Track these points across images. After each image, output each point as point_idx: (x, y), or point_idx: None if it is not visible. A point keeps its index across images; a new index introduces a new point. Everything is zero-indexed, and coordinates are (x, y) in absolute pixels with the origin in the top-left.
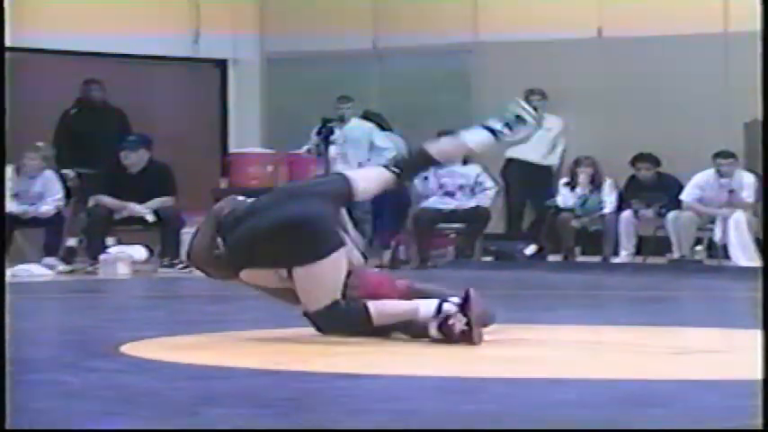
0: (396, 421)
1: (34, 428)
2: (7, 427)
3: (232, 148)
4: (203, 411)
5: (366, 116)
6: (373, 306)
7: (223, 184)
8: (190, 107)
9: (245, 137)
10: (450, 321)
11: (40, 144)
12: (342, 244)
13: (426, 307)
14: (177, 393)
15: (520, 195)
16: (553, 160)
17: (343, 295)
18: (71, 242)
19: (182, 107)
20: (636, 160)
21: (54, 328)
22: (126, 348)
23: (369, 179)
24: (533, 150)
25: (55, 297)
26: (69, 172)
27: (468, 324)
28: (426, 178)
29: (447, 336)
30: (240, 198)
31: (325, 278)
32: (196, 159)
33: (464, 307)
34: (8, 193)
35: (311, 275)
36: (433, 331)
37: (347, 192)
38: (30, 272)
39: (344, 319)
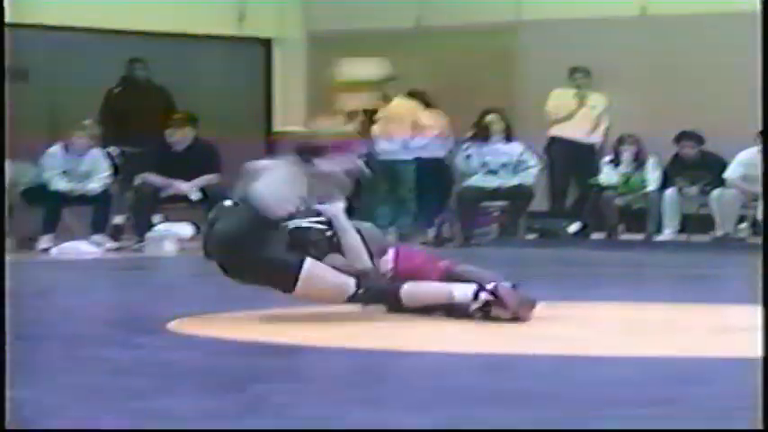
0: (440, 398)
1: (35, 428)
2: (7, 426)
3: (276, 127)
4: (250, 387)
5: (411, 95)
6: (406, 289)
7: None
8: (234, 85)
9: (290, 115)
10: (493, 313)
11: (87, 122)
12: (296, 264)
13: (461, 292)
14: (223, 369)
15: (563, 173)
16: (597, 138)
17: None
18: (118, 220)
19: (226, 85)
20: (680, 138)
21: (101, 305)
22: (172, 325)
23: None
24: (577, 128)
25: (102, 274)
26: (113, 150)
27: (513, 316)
28: (469, 156)
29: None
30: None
31: (318, 290)
32: (241, 137)
33: (498, 302)
34: (56, 171)
35: (304, 295)
36: (478, 316)
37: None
38: (77, 249)
39: (377, 301)
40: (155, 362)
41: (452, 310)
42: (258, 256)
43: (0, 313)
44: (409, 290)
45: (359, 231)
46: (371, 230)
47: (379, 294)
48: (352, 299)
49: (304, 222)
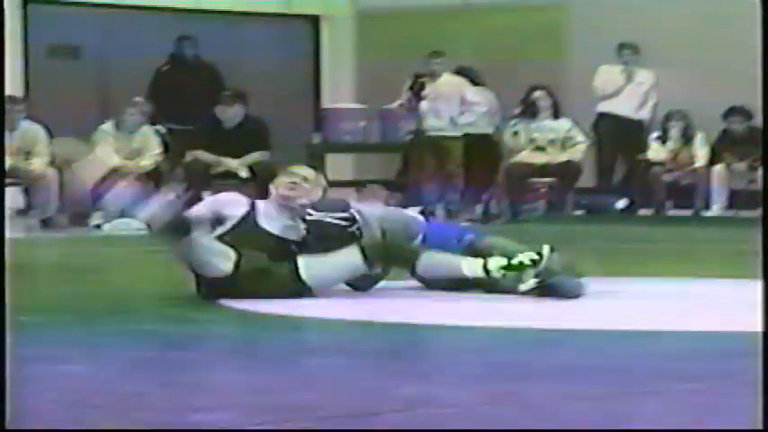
0: (487, 373)
1: (35, 428)
2: (8, 426)
3: (325, 104)
4: (299, 361)
5: (459, 71)
6: (421, 265)
7: (316, 139)
8: (283, 63)
9: (338, 92)
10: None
11: (138, 99)
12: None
13: (469, 266)
14: (275, 344)
15: (611, 149)
16: (645, 114)
17: None
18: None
19: (275, 63)
20: (728, 114)
21: (154, 280)
22: (225, 300)
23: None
24: (625, 104)
25: (154, 250)
26: (160, 128)
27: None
28: (516, 133)
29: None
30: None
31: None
32: (289, 115)
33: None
34: (109, 149)
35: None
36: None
37: None
38: (129, 225)
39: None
40: (207, 336)
41: (496, 286)
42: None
43: (1, 313)
44: (423, 267)
45: (383, 234)
46: (397, 224)
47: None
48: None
49: (327, 218)
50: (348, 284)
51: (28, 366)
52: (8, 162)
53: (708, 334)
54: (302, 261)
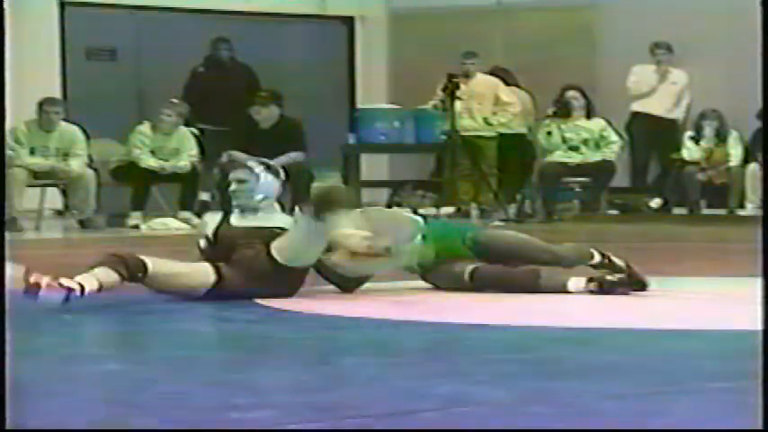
0: (525, 371)
1: (34, 429)
2: (8, 426)
3: (359, 104)
4: (336, 360)
5: (493, 72)
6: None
7: (351, 139)
8: (318, 64)
9: (373, 92)
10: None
11: (175, 101)
12: None
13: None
14: (309, 343)
15: (645, 149)
16: (678, 113)
17: None
18: (204, 197)
19: (310, 64)
20: (762, 112)
21: None
22: (259, 299)
23: None
24: (659, 104)
25: (191, 250)
26: (192, 129)
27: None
28: (550, 133)
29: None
30: None
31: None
32: (324, 115)
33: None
34: (145, 149)
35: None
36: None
37: None
38: (166, 225)
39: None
40: (243, 335)
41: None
42: None
43: (1, 312)
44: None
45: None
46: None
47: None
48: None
49: None
50: (334, 284)
51: (70, 365)
52: (47, 163)
53: (741, 333)
54: (273, 244)
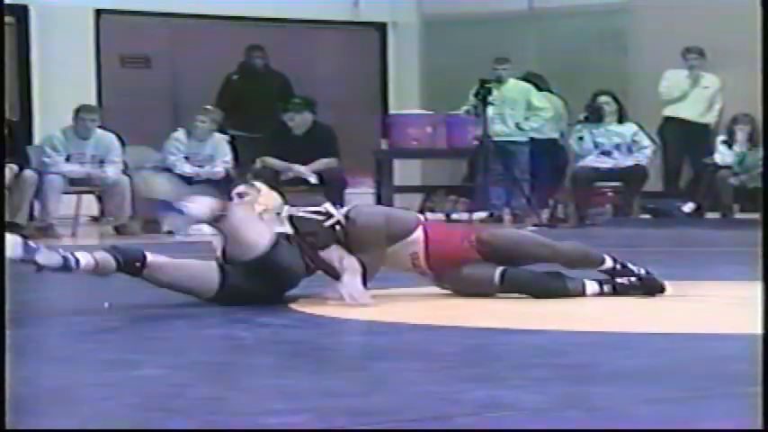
0: (557, 376)
1: (34, 429)
2: (7, 426)
3: (392, 110)
4: (371, 365)
5: (526, 77)
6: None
7: (384, 145)
8: (350, 70)
9: (405, 98)
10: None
11: (209, 107)
12: None
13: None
14: (346, 348)
15: (678, 153)
16: (711, 118)
17: None
18: None
19: (342, 70)
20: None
21: None
22: (295, 304)
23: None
24: (691, 108)
25: None
26: (224, 136)
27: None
28: (582, 138)
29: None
30: None
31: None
32: (357, 121)
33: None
34: (180, 155)
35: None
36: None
37: None
38: (201, 231)
39: None
40: (279, 340)
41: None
42: None
43: (1, 312)
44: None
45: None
46: (394, 217)
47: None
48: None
49: (300, 212)
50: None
51: (105, 371)
52: (82, 170)
53: None
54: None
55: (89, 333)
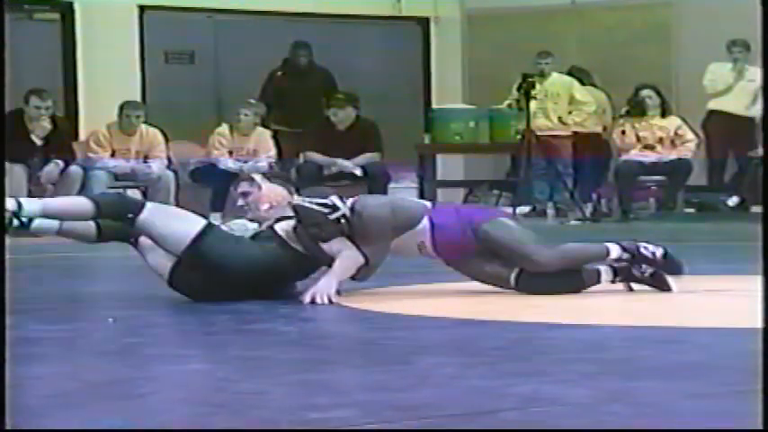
0: (601, 371)
1: (33, 429)
2: (7, 426)
3: (435, 105)
4: (415, 360)
5: (570, 72)
6: None
7: (426, 139)
8: (393, 65)
9: (448, 93)
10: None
11: (252, 101)
12: None
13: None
14: (390, 342)
15: (722, 147)
16: (755, 111)
17: None
18: None
19: (385, 65)
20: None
21: None
22: (339, 299)
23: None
24: (735, 102)
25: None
26: (268, 130)
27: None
28: (624, 132)
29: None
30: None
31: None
32: (400, 116)
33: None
34: (224, 151)
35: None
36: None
37: None
38: (245, 226)
39: None
40: (324, 335)
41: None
42: None
43: (1, 312)
44: None
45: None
46: (399, 208)
47: None
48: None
49: (305, 202)
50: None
51: (151, 366)
52: (127, 165)
53: None
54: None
55: (134, 328)
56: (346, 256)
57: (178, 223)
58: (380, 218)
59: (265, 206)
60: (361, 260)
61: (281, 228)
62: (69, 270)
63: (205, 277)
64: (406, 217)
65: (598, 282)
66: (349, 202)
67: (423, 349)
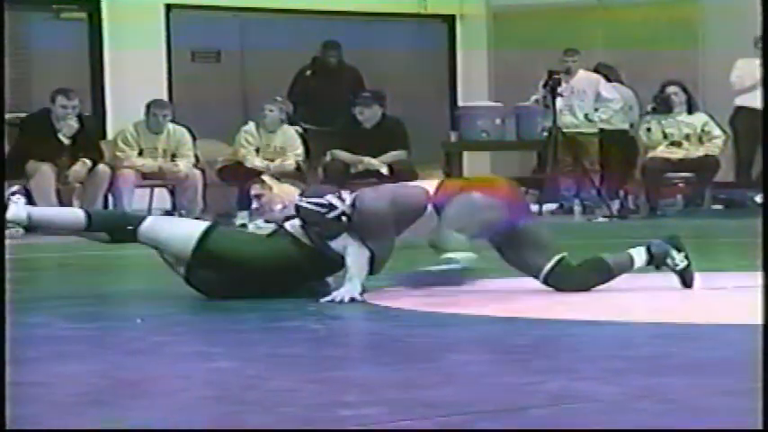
0: (633, 367)
1: (34, 429)
2: (8, 427)
3: (461, 102)
4: (444, 357)
5: (597, 69)
6: None
7: (453, 137)
8: (419, 63)
9: (474, 90)
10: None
11: (278, 98)
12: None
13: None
14: (418, 340)
15: (750, 143)
16: None
17: None
18: None
19: (411, 63)
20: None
21: None
22: (367, 296)
23: None
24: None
25: None
26: (297, 128)
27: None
28: (650, 129)
29: None
30: None
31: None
32: (426, 114)
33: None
34: (252, 148)
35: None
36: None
37: None
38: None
39: None
40: (353, 332)
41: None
42: None
43: (1, 312)
44: None
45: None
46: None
47: None
48: None
49: (304, 202)
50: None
51: (181, 363)
52: (155, 164)
53: None
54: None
55: (164, 326)
56: (352, 254)
57: (181, 227)
58: (379, 212)
59: (279, 206)
60: (367, 254)
61: (291, 225)
62: (97, 268)
63: (220, 274)
64: (409, 208)
65: (631, 267)
66: (350, 197)
67: (451, 346)
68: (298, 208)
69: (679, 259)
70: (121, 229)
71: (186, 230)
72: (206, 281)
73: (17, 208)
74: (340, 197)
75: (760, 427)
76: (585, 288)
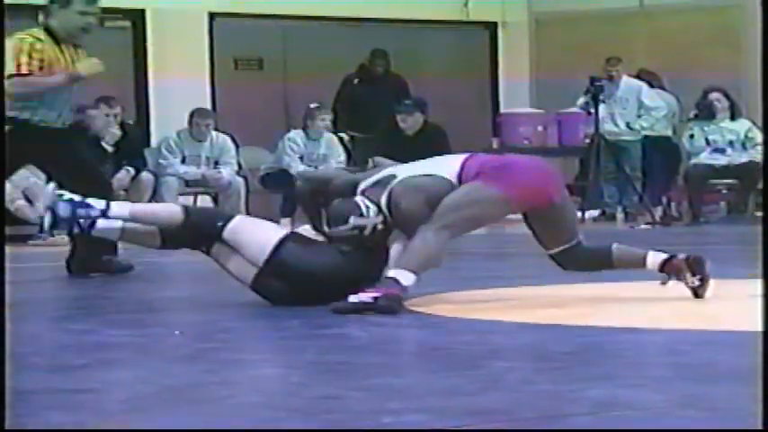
0: (675, 375)
1: (34, 429)
2: (7, 427)
3: (503, 109)
4: (487, 364)
5: (639, 75)
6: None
7: (495, 144)
8: (461, 69)
9: (516, 97)
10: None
11: (322, 106)
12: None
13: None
14: (460, 347)
15: None
16: None
17: None
18: None
19: (453, 69)
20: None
21: None
22: (410, 304)
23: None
24: None
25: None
26: (344, 135)
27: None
28: (692, 136)
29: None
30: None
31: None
32: (468, 120)
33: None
34: (296, 156)
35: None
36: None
37: None
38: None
39: None
40: (395, 340)
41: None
42: None
43: (1, 313)
44: None
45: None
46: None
47: None
48: None
49: (333, 233)
50: None
51: (225, 370)
52: (198, 171)
53: None
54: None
55: (207, 333)
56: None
57: (262, 233)
58: (416, 212)
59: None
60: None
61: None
62: (142, 275)
63: (292, 285)
64: (441, 197)
65: (644, 265)
66: (383, 199)
67: (493, 353)
68: (330, 238)
69: (692, 280)
70: (212, 224)
71: (265, 237)
72: (274, 289)
73: (119, 206)
74: (361, 213)
75: (760, 427)
76: (584, 270)
